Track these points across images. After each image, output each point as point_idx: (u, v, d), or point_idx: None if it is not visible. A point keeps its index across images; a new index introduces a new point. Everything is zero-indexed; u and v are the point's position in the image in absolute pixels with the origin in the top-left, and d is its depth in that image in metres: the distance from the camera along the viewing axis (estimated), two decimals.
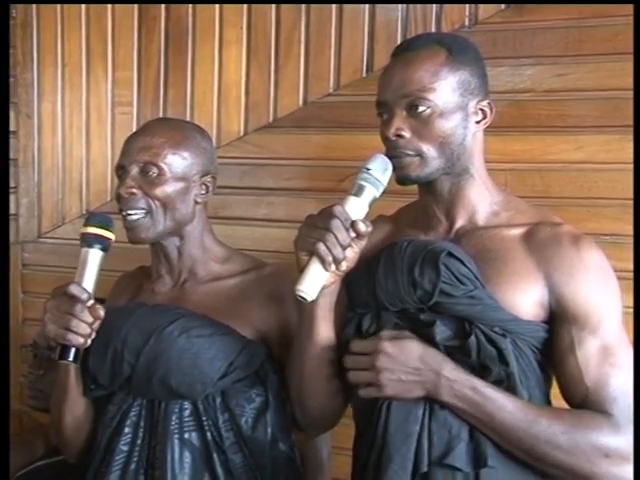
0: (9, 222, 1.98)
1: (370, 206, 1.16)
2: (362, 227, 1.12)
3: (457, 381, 1.14)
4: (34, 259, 2.15)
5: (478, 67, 1.23)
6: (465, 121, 1.20)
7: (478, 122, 1.22)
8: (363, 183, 1.15)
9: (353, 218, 1.12)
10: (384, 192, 1.17)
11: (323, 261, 1.10)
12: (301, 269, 1.12)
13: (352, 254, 1.14)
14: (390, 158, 1.19)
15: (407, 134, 1.18)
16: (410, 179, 1.21)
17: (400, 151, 1.19)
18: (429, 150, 1.18)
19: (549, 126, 1.64)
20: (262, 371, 1.37)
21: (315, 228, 1.11)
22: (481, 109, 1.22)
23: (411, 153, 1.18)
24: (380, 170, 1.16)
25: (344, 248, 1.10)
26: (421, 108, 1.17)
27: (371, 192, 1.15)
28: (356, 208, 1.14)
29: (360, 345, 1.21)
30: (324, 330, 1.22)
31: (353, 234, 1.12)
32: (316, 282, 1.11)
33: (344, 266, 1.13)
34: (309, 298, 1.11)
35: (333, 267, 1.12)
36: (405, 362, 1.16)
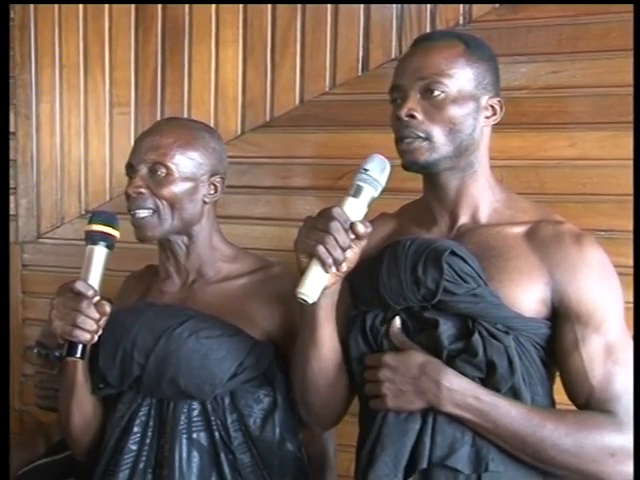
0: (9, 223, 1.99)
1: (369, 206, 1.16)
2: (361, 228, 1.12)
3: (458, 391, 1.13)
4: (34, 259, 2.16)
5: (493, 65, 1.25)
6: (476, 113, 1.21)
7: (487, 118, 1.23)
8: (361, 184, 1.14)
9: (352, 219, 1.12)
10: (382, 192, 1.17)
11: (323, 263, 1.10)
12: (301, 271, 1.12)
13: (352, 255, 1.14)
14: (399, 140, 1.20)
15: (419, 116, 1.18)
16: (418, 164, 1.20)
17: (410, 131, 1.18)
18: (438, 134, 1.18)
19: (544, 123, 1.65)
20: (270, 372, 1.37)
21: (314, 230, 1.11)
22: (492, 105, 1.23)
23: (421, 135, 1.18)
24: (378, 170, 1.15)
25: (344, 250, 1.10)
26: (436, 92, 1.18)
27: (369, 192, 1.15)
28: (355, 209, 1.13)
29: (367, 359, 1.22)
30: (326, 330, 1.22)
31: (352, 235, 1.12)
32: (317, 284, 1.11)
33: (344, 267, 1.13)
34: (310, 300, 1.11)
35: (333, 269, 1.12)
36: (405, 373, 1.16)
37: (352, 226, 1.11)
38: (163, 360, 1.32)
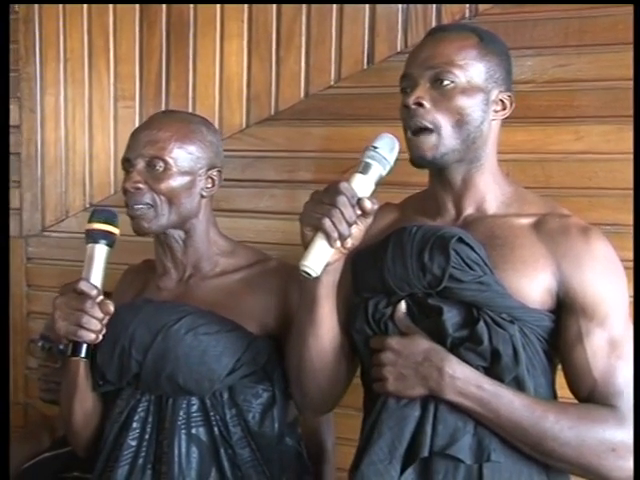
0: (9, 216, 1.99)
1: (377, 184, 1.15)
2: (368, 204, 1.11)
3: (461, 378, 1.13)
4: (38, 253, 2.16)
5: (506, 61, 1.25)
6: (485, 105, 1.21)
7: (497, 112, 1.23)
8: (370, 161, 1.14)
9: (359, 195, 1.11)
10: (390, 171, 1.17)
11: (328, 237, 1.09)
12: (306, 244, 1.11)
13: (357, 231, 1.13)
14: (406, 131, 1.20)
15: (427, 104, 1.18)
16: (426, 159, 1.20)
17: (418, 121, 1.18)
18: (446, 125, 1.18)
19: (550, 117, 1.64)
20: (269, 367, 1.37)
21: (321, 204, 1.10)
22: (502, 100, 1.23)
23: (428, 126, 1.18)
24: (387, 148, 1.15)
25: (350, 225, 1.10)
26: (445, 82, 1.18)
27: (377, 170, 1.15)
28: (362, 185, 1.13)
29: (372, 342, 1.22)
30: (326, 309, 1.21)
31: (359, 211, 1.12)
32: (321, 258, 1.11)
33: (349, 243, 1.13)
34: (313, 274, 1.11)
35: (338, 243, 1.11)
36: (408, 357, 1.16)
37: (359, 202, 1.11)
38: (161, 357, 1.32)
